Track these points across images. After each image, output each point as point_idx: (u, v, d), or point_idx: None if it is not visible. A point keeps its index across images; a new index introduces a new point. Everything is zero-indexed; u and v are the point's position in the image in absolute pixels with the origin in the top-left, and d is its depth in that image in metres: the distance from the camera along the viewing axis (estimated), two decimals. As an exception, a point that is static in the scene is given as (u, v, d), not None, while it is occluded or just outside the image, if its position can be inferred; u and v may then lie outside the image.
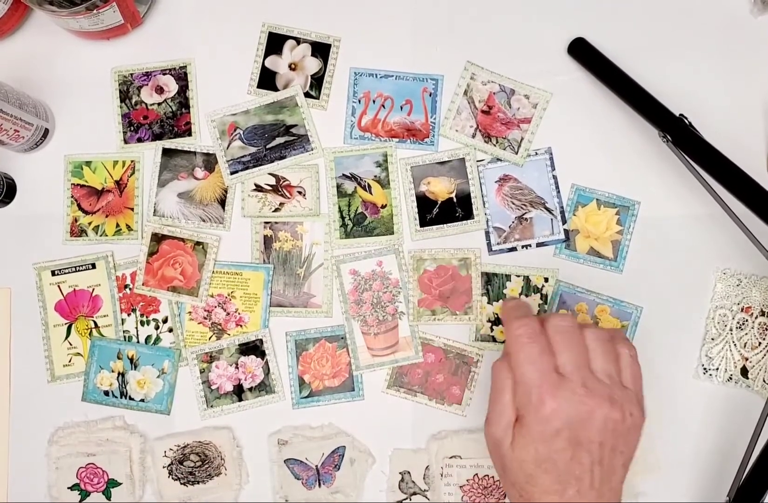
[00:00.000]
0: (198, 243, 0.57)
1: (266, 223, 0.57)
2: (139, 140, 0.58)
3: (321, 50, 0.58)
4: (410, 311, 0.56)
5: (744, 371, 0.56)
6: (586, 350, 0.45)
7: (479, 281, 0.56)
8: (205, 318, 0.57)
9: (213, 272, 0.57)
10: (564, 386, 0.43)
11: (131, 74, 0.58)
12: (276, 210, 0.57)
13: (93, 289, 0.57)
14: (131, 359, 0.56)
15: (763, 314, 0.56)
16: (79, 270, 0.57)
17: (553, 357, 0.44)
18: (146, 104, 0.58)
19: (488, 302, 0.56)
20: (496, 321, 0.56)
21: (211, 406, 0.56)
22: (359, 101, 0.58)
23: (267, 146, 0.57)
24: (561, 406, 0.42)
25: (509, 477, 0.45)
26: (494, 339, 0.56)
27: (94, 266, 0.57)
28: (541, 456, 0.43)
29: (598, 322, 0.56)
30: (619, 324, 0.56)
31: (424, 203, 0.57)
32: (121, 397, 0.56)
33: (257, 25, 0.58)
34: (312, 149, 0.57)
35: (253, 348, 0.56)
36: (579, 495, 0.43)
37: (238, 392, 0.56)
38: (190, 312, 0.57)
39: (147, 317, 0.57)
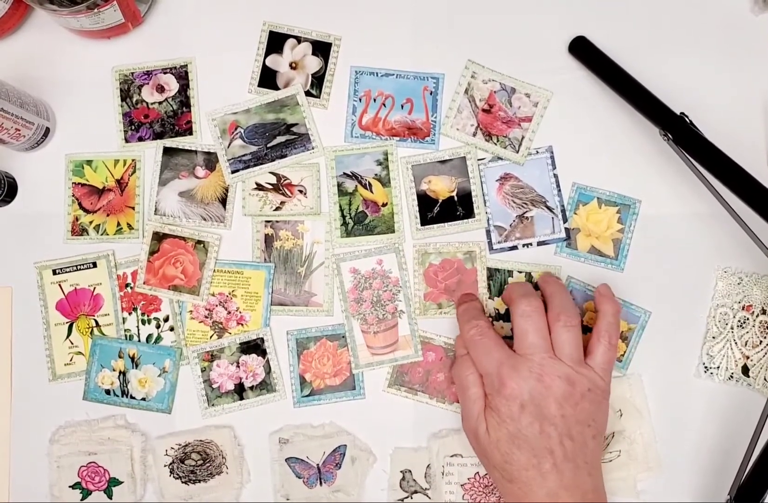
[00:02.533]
0: (199, 242, 0.57)
1: (267, 222, 0.57)
2: (140, 139, 0.58)
3: (322, 49, 0.58)
4: (416, 304, 0.56)
5: (745, 370, 0.56)
6: (548, 332, 0.48)
7: (484, 274, 0.56)
8: (206, 317, 0.57)
9: (214, 270, 0.57)
10: (522, 366, 0.47)
11: (132, 73, 0.58)
12: (277, 209, 0.57)
13: (94, 288, 0.57)
14: (132, 358, 0.56)
15: (764, 312, 0.56)
16: (80, 269, 0.57)
17: (505, 348, 0.48)
18: (147, 103, 0.58)
19: (490, 298, 0.56)
20: (497, 317, 0.56)
21: (212, 405, 0.56)
22: (360, 100, 0.58)
23: (268, 145, 0.57)
24: (520, 384, 0.46)
25: (490, 461, 0.48)
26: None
27: (95, 265, 0.57)
28: (513, 433, 0.46)
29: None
30: (626, 327, 0.56)
31: (425, 202, 0.57)
32: (122, 396, 0.56)
33: (258, 24, 0.58)
34: (313, 148, 0.57)
35: (254, 347, 0.56)
36: (556, 467, 0.46)
37: (239, 391, 0.56)
38: (191, 311, 0.57)
39: (148, 316, 0.57)
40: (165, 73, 0.58)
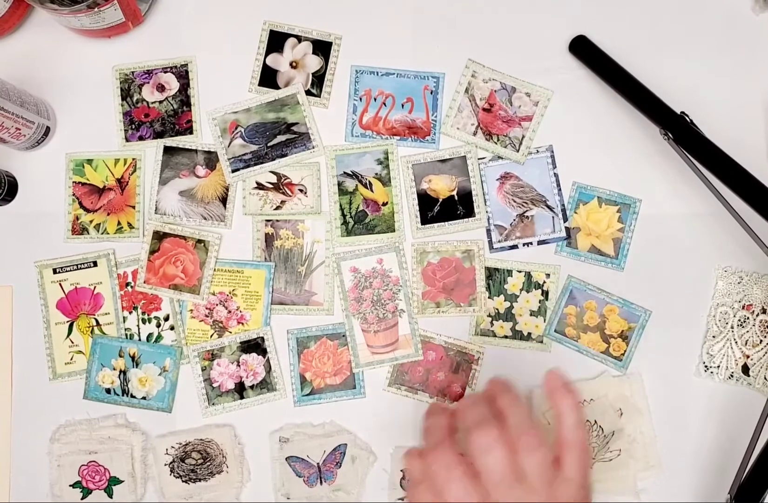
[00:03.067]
0: (199, 241, 0.57)
1: (267, 221, 0.57)
2: (141, 138, 0.58)
3: (322, 48, 0.58)
4: (414, 303, 0.56)
5: (745, 369, 0.56)
6: (512, 461, 0.41)
7: (482, 273, 0.56)
8: (206, 316, 0.57)
9: (214, 270, 0.57)
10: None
11: (132, 72, 0.58)
12: (277, 208, 0.57)
13: (94, 287, 0.57)
14: (133, 357, 0.56)
15: (764, 311, 0.56)
16: (80, 268, 0.57)
17: (469, 486, 0.40)
18: (147, 102, 0.58)
19: (489, 297, 0.56)
20: (497, 316, 0.56)
21: (213, 404, 0.56)
22: (360, 99, 0.58)
23: (268, 144, 0.57)
24: None
25: None
26: (494, 334, 0.56)
27: (95, 264, 0.57)
28: None
29: (605, 321, 0.56)
30: (627, 325, 0.56)
31: (426, 201, 0.57)
32: (122, 395, 0.56)
33: (258, 24, 0.58)
34: (313, 147, 0.57)
35: (254, 346, 0.56)
36: None
37: (240, 390, 0.56)
38: (191, 310, 0.57)
39: (148, 315, 0.57)
40: (165, 72, 0.58)
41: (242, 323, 0.57)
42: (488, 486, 0.41)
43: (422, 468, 0.42)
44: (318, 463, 0.56)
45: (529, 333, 0.56)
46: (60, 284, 0.57)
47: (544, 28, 0.58)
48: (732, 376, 0.56)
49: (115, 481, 0.56)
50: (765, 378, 0.55)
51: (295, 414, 0.56)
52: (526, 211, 0.57)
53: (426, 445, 0.43)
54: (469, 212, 0.57)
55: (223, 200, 0.57)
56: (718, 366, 0.56)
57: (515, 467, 0.41)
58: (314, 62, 0.58)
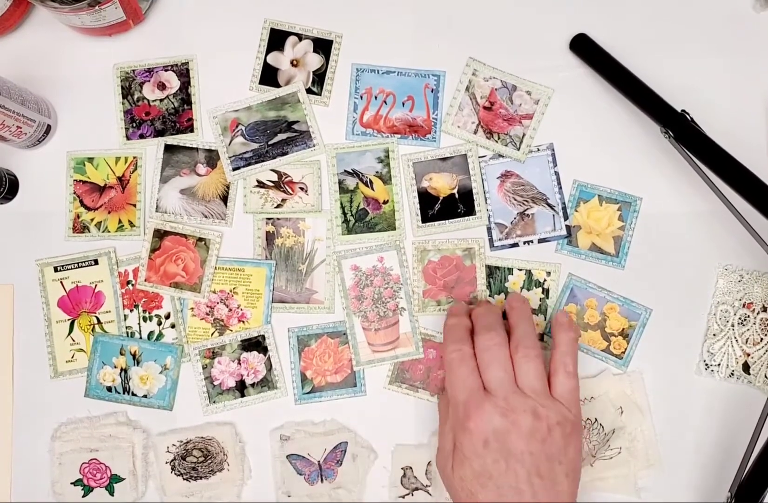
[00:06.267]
0: (200, 239, 0.57)
1: (268, 219, 0.57)
2: (141, 137, 0.58)
3: (323, 46, 0.58)
4: (415, 301, 0.56)
5: (746, 367, 0.56)
6: (510, 364, 0.46)
7: (483, 271, 0.56)
8: (207, 314, 0.57)
9: (215, 268, 0.57)
10: (487, 401, 0.45)
11: (133, 71, 0.58)
12: (278, 206, 0.57)
13: (95, 285, 0.57)
14: (134, 355, 0.57)
15: (764, 310, 0.56)
16: (81, 266, 0.57)
17: (479, 376, 0.46)
18: (148, 101, 0.58)
19: (490, 295, 0.56)
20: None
21: (214, 402, 0.56)
22: (361, 97, 0.58)
23: (269, 142, 0.57)
24: (484, 419, 0.44)
25: (455, 499, 0.46)
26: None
27: (96, 262, 0.57)
28: (477, 471, 0.44)
29: (606, 319, 0.56)
30: (627, 323, 0.56)
31: (426, 199, 0.57)
32: (123, 393, 0.56)
33: (259, 22, 0.58)
34: (314, 145, 0.57)
35: (255, 344, 0.56)
36: None
37: (241, 388, 0.56)
38: (192, 308, 0.57)
39: (149, 313, 0.57)
40: (166, 70, 0.58)
41: (243, 322, 0.57)
42: (484, 382, 0.46)
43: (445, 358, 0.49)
44: (319, 461, 0.56)
45: (530, 331, 0.56)
46: (61, 283, 0.57)
47: (544, 27, 0.58)
48: (732, 374, 0.56)
49: (116, 479, 0.56)
50: (765, 376, 0.55)
51: (296, 412, 0.56)
52: (527, 209, 0.57)
53: (447, 340, 0.49)
54: (470, 211, 0.57)
55: (224, 198, 0.57)
56: (719, 364, 0.56)
57: (510, 370, 0.46)
58: (315, 60, 0.58)
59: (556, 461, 0.44)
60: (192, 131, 0.58)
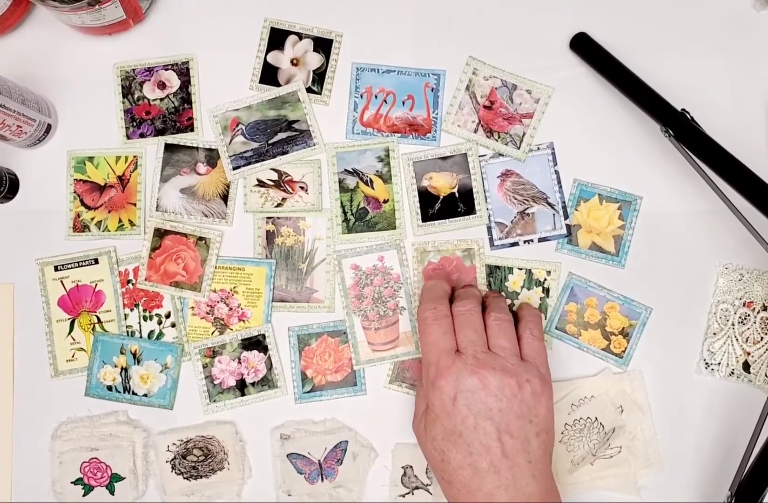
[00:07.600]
0: (200, 238, 0.57)
1: (269, 218, 0.57)
2: (142, 136, 0.58)
3: (323, 45, 0.58)
4: (415, 301, 0.56)
5: (746, 366, 0.56)
6: (482, 328, 0.48)
7: (483, 271, 0.56)
8: (207, 313, 0.57)
9: (215, 267, 0.57)
10: (457, 360, 0.46)
11: (133, 70, 0.58)
12: (278, 205, 0.57)
13: (96, 284, 0.57)
14: (134, 355, 0.57)
15: (765, 308, 0.56)
16: (81, 265, 0.57)
17: (453, 338, 0.47)
18: (148, 100, 0.58)
19: (490, 296, 0.57)
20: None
21: (214, 401, 0.56)
22: (361, 96, 0.58)
23: (269, 142, 0.57)
24: (452, 376, 0.45)
25: (430, 461, 0.47)
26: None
27: (96, 261, 0.57)
28: (448, 429, 0.45)
29: (606, 318, 0.56)
30: (628, 323, 0.56)
31: (426, 198, 0.57)
32: (124, 392, 0.56)
33: (259, 21, 0.58)
34: (314, 145, 0.57)
35: (255, 343, 0.56)
36: (493, 466, 0.43)
37: (241, 387, 0.56)
38: (192, 307, 0.57)
39: (150, 312, 0.57)
40: (166, 69, 0.58)
41: (243, 321, 0.57)
42: (459, 345, 0.47)
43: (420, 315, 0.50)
44: (319, 460, 0.56)
45: (530, 330, 0.56)
46: (61, 282, 0.57)
47: (544, 26, 0.58)
48: (733, 373, 0.56)
49: (116, 478, 0.56)
50: (766, 375, 0.55)
51: (296, 411, 0.56)
52: (527, 208, 0.57)
53: (423, 299, 0.51)
54: (470, 210, 0.57)
55: (224, 198, 0.57)
56: (719, 363, 0.56)
57: (483, 333, 0.48)
58: (315, 60, 0.58)
59: (527, 419, 0.45)
60: (192, 130, 0.58)
